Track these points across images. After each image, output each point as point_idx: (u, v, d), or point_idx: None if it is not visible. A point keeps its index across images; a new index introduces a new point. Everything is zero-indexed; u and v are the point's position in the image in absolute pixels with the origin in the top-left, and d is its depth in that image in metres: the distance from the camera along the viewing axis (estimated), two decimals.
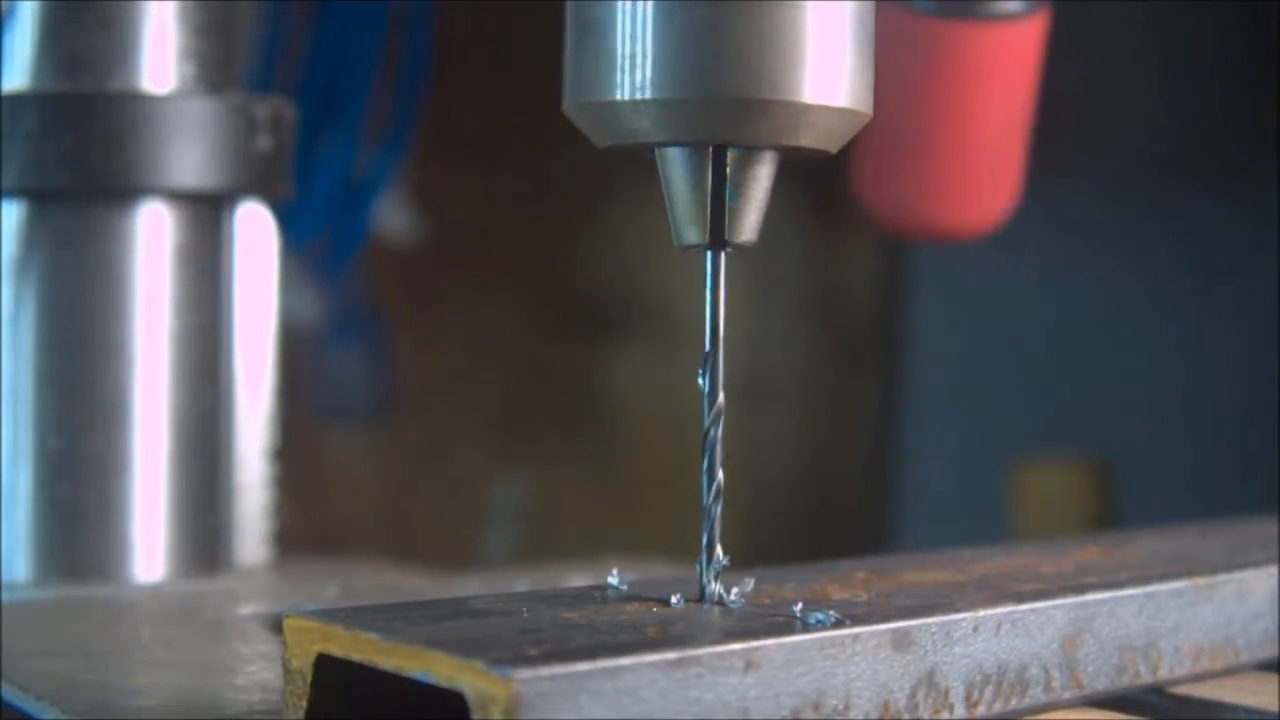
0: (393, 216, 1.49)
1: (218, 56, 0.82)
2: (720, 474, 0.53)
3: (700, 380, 0.53)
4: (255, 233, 0.84)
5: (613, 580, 0.55)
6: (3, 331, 0.80)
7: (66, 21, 0.79)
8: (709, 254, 0.53)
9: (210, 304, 0.82)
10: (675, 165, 0.52)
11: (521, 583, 0.77)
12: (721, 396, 0.53)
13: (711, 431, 0.53)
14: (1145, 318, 1.49)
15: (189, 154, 0.79)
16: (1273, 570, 0.63)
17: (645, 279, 1.68)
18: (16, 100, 0.78)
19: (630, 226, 1.63)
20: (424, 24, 1.29)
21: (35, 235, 0.79)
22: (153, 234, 0.80)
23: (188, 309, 0.81)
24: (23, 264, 0.79)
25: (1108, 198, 1.52)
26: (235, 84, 0.84)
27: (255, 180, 0.82)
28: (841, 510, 1.73)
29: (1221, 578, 0.61)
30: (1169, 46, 1.49)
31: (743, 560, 0.55)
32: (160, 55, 0.80)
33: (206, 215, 0.82)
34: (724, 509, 0.54)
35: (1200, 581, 0.60)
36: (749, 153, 0.52)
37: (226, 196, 0.82)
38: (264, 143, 0.82)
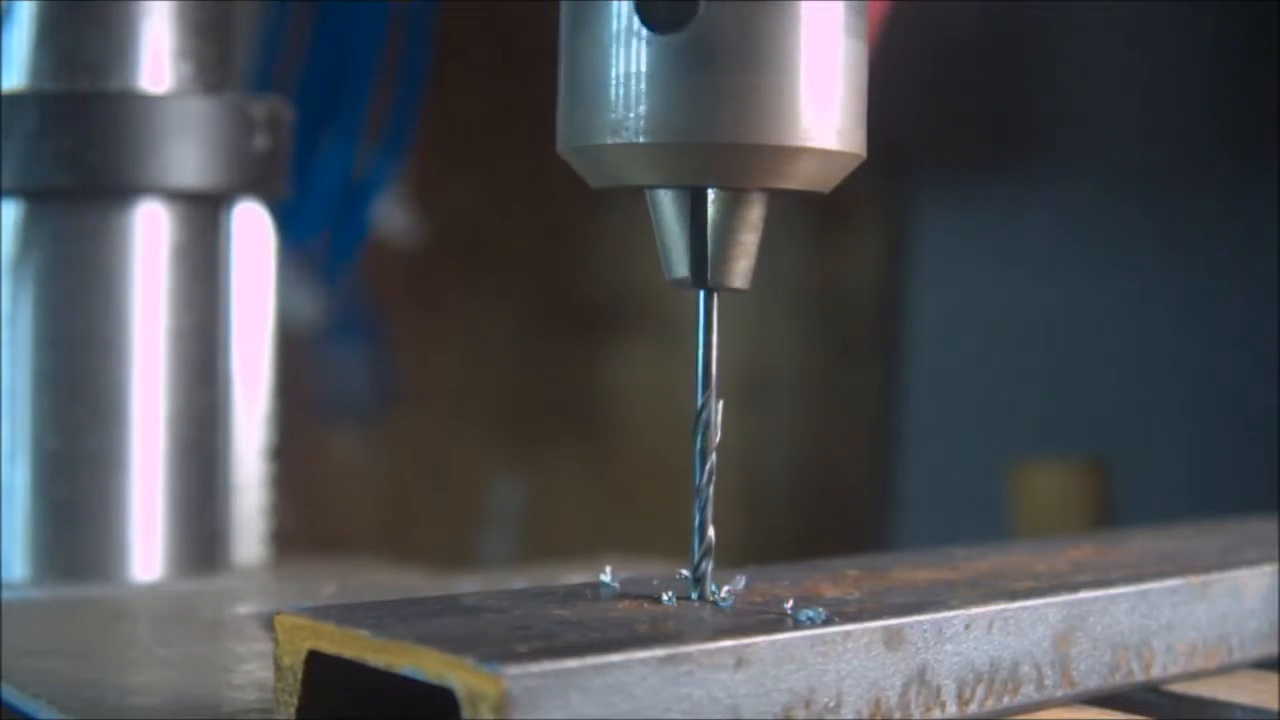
0: (393, 216, 1.50)
1: (215, 56, 0.82)
2: (711, 532, 0.53)
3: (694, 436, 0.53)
4: (252, 232, 0.84)
5: (605, 578, 0.55)
6: (1, 331, 0.80)
7: (64, 21, 0.79)
8: (701, 294, 0.53)
9: (207, 303, 0.82)
10: (666, 207, 0.52)
11: (518, 581, 0.77)
12: (714, 456, 0.53)
13: (705, 490, 0.53)
14: (1144, 318, 1.49)
15: (186, 153, 0.79)
16: (1267, 569, 0.63)
17: (644, 279, 1.68)
18: (14, 100, 0.78)
19: (629, 227, 1.63)
20: (424, 24, 1.29)
21: (32, 234, 0.79)
22: (150, 233, 0.80)
23: (185, 308, 0.81)
24: (20, 263, 0.79)
25: (1107, 198, 1.52)
26: (233, 84, 0.84)
27: (252, 180, 0.82)
28: (840, 510, 1.73)
29: (1215, 576, 0.61)
30: (1165, 50, 1.49)
31: (741, 558, 0.55)
32: (157, 55, 0.80)
33: (203, 214, 0.82)
34: (723, 508, 0.53)
35: (1194, 580, 0.60)
36: (739, 195, 0.52)
37: (223, 196, 0.82)
38: (261, 142, 0.82)
